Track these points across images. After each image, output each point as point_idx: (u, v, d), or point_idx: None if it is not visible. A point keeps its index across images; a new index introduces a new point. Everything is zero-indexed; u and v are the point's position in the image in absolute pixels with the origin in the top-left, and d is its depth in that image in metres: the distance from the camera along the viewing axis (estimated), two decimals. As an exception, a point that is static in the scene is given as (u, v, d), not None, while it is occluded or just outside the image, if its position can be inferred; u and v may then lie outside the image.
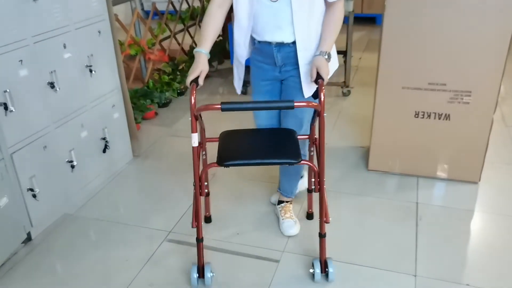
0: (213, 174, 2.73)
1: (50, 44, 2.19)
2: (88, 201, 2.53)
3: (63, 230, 2.31)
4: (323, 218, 1.87)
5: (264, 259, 2.06)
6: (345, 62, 3.92)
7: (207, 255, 2.10)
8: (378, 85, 2.49)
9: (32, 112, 2.13)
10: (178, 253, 2.12)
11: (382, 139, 2.61)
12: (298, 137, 1.91)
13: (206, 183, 2.00)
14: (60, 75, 2.26)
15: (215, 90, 4.19)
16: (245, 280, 1.94)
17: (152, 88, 3.84)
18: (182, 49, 4.58)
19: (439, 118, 2.45)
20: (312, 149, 2.02)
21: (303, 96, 1.91)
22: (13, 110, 2.00)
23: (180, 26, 4.58)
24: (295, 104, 1.62)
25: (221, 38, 4.79)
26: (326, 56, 1.80)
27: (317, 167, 1.85)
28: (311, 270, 1.92)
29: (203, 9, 4.74)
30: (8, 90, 1.97)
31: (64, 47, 2.27)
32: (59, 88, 2.25)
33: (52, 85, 2.21)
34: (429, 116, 2.46)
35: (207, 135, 2.05)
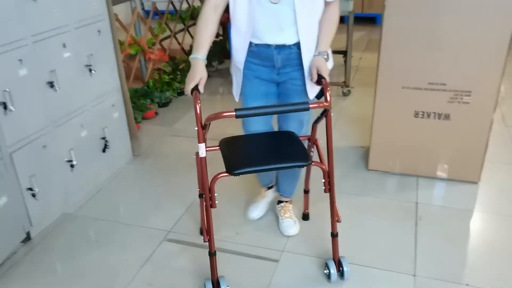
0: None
1: (49, 44, 2.19)
2: (88, 201, 2.53)
3: (62, 229, 2.31)
4: (335, 218, 1.87)
5: (264, 259, 2.06)
6: (345, 62, 3.92)
7: (207, 254, 2.10)
8: (378, 85, 2.49)
9: (31, 112, 2.13)
10: (177, 253, 2.12)
11: (382, 139, 2.61)
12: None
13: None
14: (59, 75, 2.25)
15: (215, 90, 4.19)
16: (245, 279, 1.94)
17: (152, 88, 3.84)
18: (183, 48, 4.59)
19: (439, 118, 2.45)
20: (312, 149, 2.02)
21: (306, 97, 1.90)
22: (13, 110, 2.00)
23: (180, 26, 4.59)
24: (310, 105, 1.59)
25: (221, 37, 4.79)
26: (326, 56, 1.80)
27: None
28: (326, 271, 1.92)
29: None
30: (7, 90, 1.97)
31: (64, 46, 2.27)
32: (58, 88, 2.25)
33: (51, 84, 2.21)
34: (429, 116, 2.46)
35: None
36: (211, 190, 1.72)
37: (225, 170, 1.71)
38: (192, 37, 4.73)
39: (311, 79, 1.81)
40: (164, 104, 3.78)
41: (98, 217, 2.40)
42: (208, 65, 1.79)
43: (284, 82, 1.91)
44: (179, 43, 4.55)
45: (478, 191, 2.50)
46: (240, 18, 1.77)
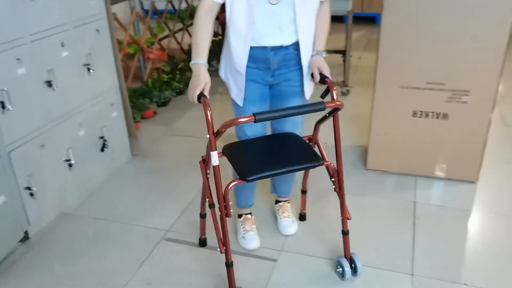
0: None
1: (47, 43, 2.19)
2: (86, 200, 2.53)
3: (60, 229, 2.31)
4: (345, 216, 1.87)
5: (262, 258, 2.06)
6: (344, 61, 3.92)
7: (206, 254, 2.10)
8: (376, 84, 2.49)
9: (29, 111, 2.13)
10: (176, 252, 2.12)
11: (381, 138, 2.61)
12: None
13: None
14: (57, 74, 2.25)
15: (215, 89, 4.17)
16: (243, 279, 1.94)
17: (151, 87, 3.84)
18: (182, 48, 4.58)
19: (437, 118, 2.45)
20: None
21: (303, 98, 1.90)
22: (11, 109, 2.00)
23: (179, 25, 4.59)
24: (327, 105, 1.57)
25: (220, 37, 4.78)
26: (324, 55, 1.82)
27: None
28: (338, 270, 1.93)
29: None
30: (5, 89, 1.97)
31: (62, 45, 2.27)
32: (56, 87, 2.25)
33: (49, 83, 2.21)
34: (427, 115, 2.46)
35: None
36: (225, 199, 1.66)
37: (237, 178, 1.67)
38: (191, 36, 4.73)
39: (314, 79, 1.81)
40: (163, 104, 3.78)
41: (96, 216, 2.40)
42: (209, 76, 1.73)
43: (278, 84, 1.88)
44: (178, 43, 4.55)
45: (476, 190, 2.50)
46: (239, 20, 1.72)
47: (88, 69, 2.46)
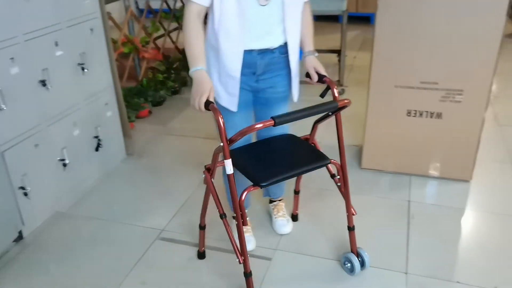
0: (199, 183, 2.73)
1: (41, 42, 2.18)
2: (81, 199, 2.53)
3: (55, 228, 2.30)
4: (350, 212, 1.89)
5: (257, 257, 2.07)
6: (339, 61, 3.93)
7: (206, 254, 2.10)
8: (371, 84, 2.50)
9: (23, 110, 2.12)
10: (170, 252, 2.12)
11: (375, 138, 2.62)
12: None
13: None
14: (52, 73, 2.25)
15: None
16: (238, 277, 1.94)
17: (146, 87, 3.83)
18: (177, 47, 4.58)
19: (431, 117, 2.46)
20: None
21: (289, 102, 1.90)
22: (4, 108, 1.99)
23: (174, 25, 4.58)
24: (339, 103, 1.59)
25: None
26: (316, 54, 1.83)
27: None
28: (347, 265, 1.95)
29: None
30: (-1, 88, 1.96)
31: (56, 45, 2.27)
32: (50, 86, 2.24)
33: (43, 83, 2.20)
34: (421, 114, 2.48)
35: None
36: (241, 207, 1.63)
37: (250, 185, 1.65)
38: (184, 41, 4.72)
39: (312, 79, 1.82)
40: (158, 103, 3.78)
41: (91, 216, 2.39)
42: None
43: (263, 91, 1.85)
44: (173, 42, 4.55)
45: (469, 189, 2.52)
46: (230, 23, 1.66)
47: (83, 69, 2.46)
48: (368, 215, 2.33)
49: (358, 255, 1.94)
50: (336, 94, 1.72)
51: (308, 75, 1.85)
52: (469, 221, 2.30)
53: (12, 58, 2.01)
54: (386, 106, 2.52)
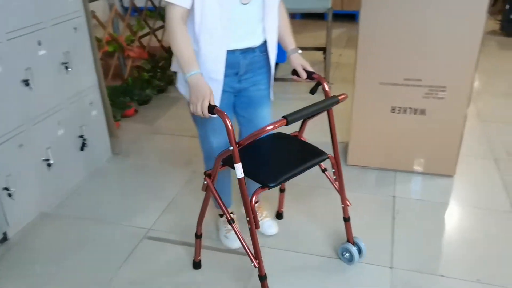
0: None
1: (24, 41, 2.15)
2: (66, 200, 2.51)
3: (40, 229, 2.28)
4: (346, 203, 1.93)
5: (244, 254, 2.07)
6: (324, 58, 3.95)
7: (188, 252, 2.10)
8: (356, 81, 2.52)
9: (6, 110, 2.09)
10: (158, 250, 2.12)
11: (361, 134, 2.65)
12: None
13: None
14: (35, 73, 2.22)
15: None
16: (226, 274, 1.95)
17: (132, 86, 3.81)
18: (162, 46, 4.55)
19: (415, 113, 2.50)
20: None
21: (269, 100, 1.92)
22: (-13, 108, 1.97)
23: (159, 23, 4.55)
24: (339, 98, 1.64)
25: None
26: (300, 51, 1.85)
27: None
28: (346, 255, 1.99)
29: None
30: (-19, 88, 1.94)
31: (39, 44, 2.24)
32: (34, 86, 2.22)
33: (27, 82, 2.17)
34: (405, 111, 2.51)
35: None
36: (253, 211, 1.61)
37: (259, 186, 1.63)
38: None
39: (301, 77, 1.83)
40: (144, 102, 3.76)
41: (77, 216, 2.38)
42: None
43: (245, 90, 1.84)
44: (158, 40, 4.52)
45: (453, 184, 2.56)
46: (211, 23, 1.63)
47: (66, 68, 2.43)
48: (354, 210, 2.34)
49: (355, 244, 1.98)
50: (327, 89, 1.73)
51: (294, 72, 1.86)
52: (452, 216, 2.34)
53: (-6, 58, 1.99)
54: (371, 103, 2.54)
